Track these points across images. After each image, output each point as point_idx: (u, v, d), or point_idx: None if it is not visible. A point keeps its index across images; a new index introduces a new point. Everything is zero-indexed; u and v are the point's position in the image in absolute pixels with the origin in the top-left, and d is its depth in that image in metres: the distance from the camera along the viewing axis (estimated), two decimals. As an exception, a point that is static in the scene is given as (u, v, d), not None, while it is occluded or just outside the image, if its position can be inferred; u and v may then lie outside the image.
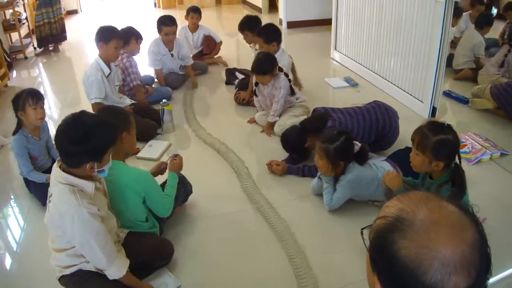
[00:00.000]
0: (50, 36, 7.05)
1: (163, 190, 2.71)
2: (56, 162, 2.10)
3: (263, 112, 4.41)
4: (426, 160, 2.37)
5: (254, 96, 4.46)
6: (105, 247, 2.04)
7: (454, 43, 5.80)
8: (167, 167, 2.90)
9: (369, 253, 0.98)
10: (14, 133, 3.22)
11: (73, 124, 1.98)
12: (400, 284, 0.88)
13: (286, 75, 4.19)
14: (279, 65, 4.20)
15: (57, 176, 2.04)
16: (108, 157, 2.10)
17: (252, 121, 4.47)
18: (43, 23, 6.85)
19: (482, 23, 5.38)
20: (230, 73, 5.63)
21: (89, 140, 1.95)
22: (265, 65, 4.00)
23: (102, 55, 4.03)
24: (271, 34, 4.57)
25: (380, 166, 3.03)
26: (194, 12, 5.98)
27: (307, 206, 3.19)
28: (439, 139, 2.32)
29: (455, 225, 0.89)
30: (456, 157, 2.41)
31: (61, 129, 1.98)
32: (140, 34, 4.77)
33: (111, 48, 3.99)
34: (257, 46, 4.90)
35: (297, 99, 4.29)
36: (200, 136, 4.24)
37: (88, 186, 2.06)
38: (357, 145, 2.99)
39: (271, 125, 4.20)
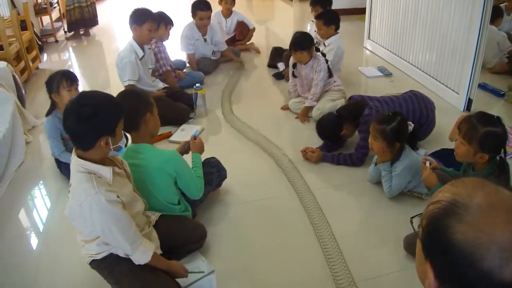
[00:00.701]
0: (81, 20, 7.08)
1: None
2: (73, 150, 2.04)
3: (298, 98, 4.38)
4: (471, 151, 2.32)
5: (290, 80, 4.45)
6: (128, 233, 2.01)
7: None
8: (190, 148, 2.87)
9: (421, 240, 0.95)
10: (48, 114, 3.24)
11: (79, 103, 1.93)
12: (455, 270, 0.84)
13: (324, 55, 4.18)
14: (334, 49, 4.46)
15: (75, 164, 2.00)
16: (121, 132, 2.05)
17: (286, 108, 4.44)
18: (73, 7, 6.89)
19: (492, 16, 5.27)
20: (276, 54, 5.64)
21: (98, 115, 1.90)
22: (303, 41, 4.01)
23: (136, 37, 4.03)
24: (331, 18, 4.70)
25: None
26: None
27: (342, 195, 3.16)
28: (487, 130, 2.27)
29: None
30: (502, 151, 2.35)
31: (67, 110, 1.93)
32: (170, 20, 4.76)
33: (145, 31, 3.99)
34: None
35: (334, 82, 4.26)
36: (233, 123, 4.23)
37: (106, 171, 2.01)
38: (411, 125, 2.95)
39: (308, 110, 4.18)
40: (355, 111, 3.39)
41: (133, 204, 2.18)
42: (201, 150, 2.86)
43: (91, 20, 7.25)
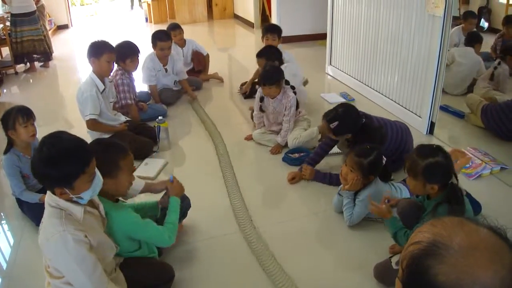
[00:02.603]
0: (33, 53, 7.00)
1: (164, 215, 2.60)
2: None
3: (262, 129, 4.36)
4: (419, 184, 2.36)
5: (254, 112, 4.42)
6: (92, 276, 1.94)
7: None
8: (168, 191, 2.73)
9: (401, 281, 0.94)
10: (5, 152, 3.15)
11: (46, 145, 1.89)
12: None
13: (293, 87, 4.17)
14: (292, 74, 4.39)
15: (48, 198, 1.98)
16: (84, 185, 1.96)
17: (250, 138, 4.41)
18: (21, 40, 6.79)
19: (472, 41, 5.45)
20: (247, 84, 5.65)
21: (56, 165, 1.86)
22: (273, 75, 3.99)
23: (95, 70, 3.96)
24: (272, 55, 4.63)
25: (398, 186, 3.08)
26: (174, 30, 5.80)
27: (304, 227, 3.13)
28: (428, 163, 2.30)
29: (493, 250, 0.86)
30: (452, 177, 2.37)
31: (36, 148, 1.92)
32: (136, 50, 4.67)
33: (103, 63, 3.93)
34: None
35: (299, 113, 4.28)
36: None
37: (77, 210, 1.97)
38: (383, 159, 2.98)
39: (280, 147, 4.15)
40: (374, 137, 3.31)
41: (103, 248, 2.10)
42: (180, 192, 2.75)
43: (45, 53, 7.15)
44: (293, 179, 3.60)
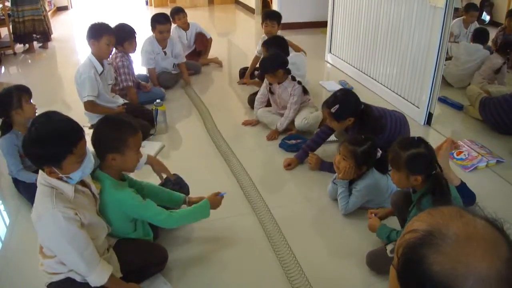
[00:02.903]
0: (33, 33, 6.95)
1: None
2: None
3: (268, 108, 4.39)
4: (403, 177, 2.36)
5: (258, 95, 4.43)
6: (84, 253, 1.97)
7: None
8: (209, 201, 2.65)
9: (396, 269, 0.94)
10: (4, 133, 3.14)
11: (33, 124, 1.94)
12: None
13: (299, 82, 4.13)
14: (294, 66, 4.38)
15: (40, 176, 2.01)
16: (72, 166, 1.97)
17: (247, 123, 4.42)
18: (23, 19, 6.74)
19: (479, 38, 5.40)
20: (246, 73, 5.62)
21: (43, 144, 1.89)
22: (270, 65, 4.01)
23: (94, 52, 3.95)
24: (274, 44, 4.58)
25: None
26: (178, 13, 5.84)
27: (302, 212, 3.15)
28: (410, 154, 2.31)
29: (489, 241, 0.86)
30: (435, 167, 2.37)
31: (29, 127, 1.95)
32: (133, 31, 4.67)
33: (102, 45, 3.92)
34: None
35: (309, 100, 4.28)
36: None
37: (67, 188, 1.99)
38: (379, 151, 2.99)
39: (276, 133, 4.16)
40: (372, 126, 3.34)
41: (95, 227, 2.12)
42: (215, 206, 2.66)
43: (44, 34, 7.11)
44: (289, 165, 3.61)
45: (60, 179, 1.99)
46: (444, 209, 0.93)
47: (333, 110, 3.25)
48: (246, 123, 4.43)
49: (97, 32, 3.91)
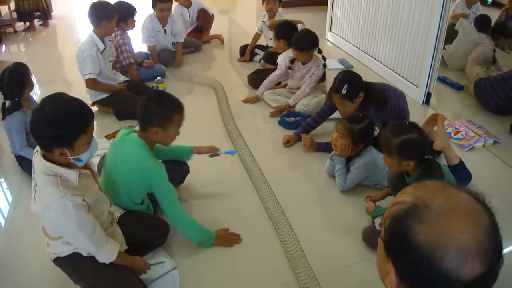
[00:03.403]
0: (35, 10, 6.90)
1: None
2: (38, 151, 2.01)
3: (272, 90, 4.43)
4: (394, 161, 2.39)
5: (278, 71, 4.42)
6: (93, 235, 2.01)
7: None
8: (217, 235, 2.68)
9: (383, 240, 0.98)
10: (13, 110, 3.17)
11: (44, 105, 1.90)
12: (416, 270, 0.89)
13: (325, 65, 4.16)
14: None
15: (40, 165, 1.96)
16: (83, 146, 1.98)
17: (248, 101, 4.45)
18: None
19: (479, 26, 5.36)
20: (247, 51, 5.61)
21: (60, 124, 1.87)
22: (304, 43, 4.01)
23: (102, 31, 3.96)
24: (282, 31, 4.52)
25: None
26: None
27: (300, 188, 3.20)
28: (401, 140, 2.33)
29: (471, 213, 0.89)
30: (427, 152, 2.41)
31: (35, 110, 1.91)
32: (133, 8, 4.65)
33: (113, 25, 3.98)
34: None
35: (324, 87, 4.30)
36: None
37: (72, 175, 1.98)
38: (376, 130, 3.03)
39: (286, 108, 4.16)
40: (376, 96, 3.37)
41: (99, 204, 2.15)
42: (221, 242, 2.67)
43: (44, 12, 7.04)
44: (288, 143, 3.66)
45: (65, 165, 1.98)
46: (429, 183, 0.98)
47: (343, 91, 3.24)
48: (246, 101, 4.46)
49: (110, 12, 3.94)
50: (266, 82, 4.43)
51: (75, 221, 1.93)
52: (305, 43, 4.00)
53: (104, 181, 2.52)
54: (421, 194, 0.94)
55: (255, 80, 4.73)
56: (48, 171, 1.94)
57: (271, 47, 5.32)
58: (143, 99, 2.47)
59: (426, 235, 0.87)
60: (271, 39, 5.20)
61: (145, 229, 2.52)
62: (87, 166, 2.17)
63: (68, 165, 2.00)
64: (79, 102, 1.99)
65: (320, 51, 4.17)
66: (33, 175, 2.03)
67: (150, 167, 2.42)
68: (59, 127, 1.87)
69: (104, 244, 2.08)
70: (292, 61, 4.21)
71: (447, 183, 0.97)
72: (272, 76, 4.42)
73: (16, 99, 3.19)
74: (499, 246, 0.90)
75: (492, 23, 5.45)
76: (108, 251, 2.11)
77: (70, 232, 2.00)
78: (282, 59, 4.36)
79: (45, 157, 1.97)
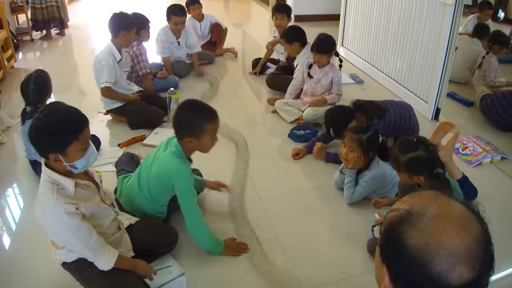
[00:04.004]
0: (53, 20, 7.02)
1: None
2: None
3: (284, 100, 4.50)
4: (405, 177, 2.45)
5: (293, 82, 4.51)
6: (88, 242, 2.03)
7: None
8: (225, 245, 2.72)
9: (379, 246, 1.03)
10: (32, 116, 3.21)
11: (42, 113, 1.96)
12: (407, 273, 0.93)
13: (341, 60, 4.35)
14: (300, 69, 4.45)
15: (43, 172, 2.03)
16: (77, 153, 2.00)
17: (273, 102, 4.57)
18: (40, 6, 6.80)
19: (478, 33, 5.42)
20: (259, 64, 5.68)
21: (50, 129, 1.92)
22: (325, 44, 4.14)
23: (120, 42, 4.03)
24: (292, 34, 4.66)
25: None
26: (193, 4, 5.94)
27: (308, 200, 3.23)
28: (409, 157, 2.38)
29: (462, 220, 0.94)
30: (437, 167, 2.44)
31: (34, 117, 1.98)
32: (147, 20, 4.76)
33: (132, 36, 4.06)
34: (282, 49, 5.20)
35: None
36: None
37: (68, 183, 2.02)
38: (380, 138, 3.07)
39: (323, 101, 4.21)
40: (373, 111, 3.44)
41: (99, 216, 2.18)
42: (230, 251, 2.70)
43: (61, 21, 7.18)
44: (297, 155, 3.70)
45: (63, 173, 2.02)
46: (424, 192, 1.03)
47: (331, 132, 3.51)
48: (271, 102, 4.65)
49: (129, 23, 4.03)
50: (291, 89, 4.54)
51: (69, 227, 1.97)
52: (327, 45, 4.14)
53: (132, 181, 2.66)
54: (415, 202, 0.99)
55: (273, 80, 4.96)
56: (48, 178, 2.00)
57: (282, 61, 5.40)
58: (177, 109, 2.56)
59: (417, 240, 0.92)
60: (282, 53, 5.28)
61: (154, 237, 2.55)
62: (89, 178, 2.21)
63: (66, 174, 2.04)
64: (73, 110, 2.04)
65: (337, 54, 4.30)
66: None
67: (175, 168, 2.50)
68: (50, 133, 1.93)
69: (101, 252, 2.09)
70: (310, 66, 4.30)
71: (440, 193, 1.01)
72: (295, 84, 4.51)
73: (39, 105, 3.25)
74: (490, 255, 0.94)
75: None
76: (106, 259, 2.12)
77: (66, 238, 2.04)
78: (300, 68, 4.45)
79: (47, 165, 2.03)
